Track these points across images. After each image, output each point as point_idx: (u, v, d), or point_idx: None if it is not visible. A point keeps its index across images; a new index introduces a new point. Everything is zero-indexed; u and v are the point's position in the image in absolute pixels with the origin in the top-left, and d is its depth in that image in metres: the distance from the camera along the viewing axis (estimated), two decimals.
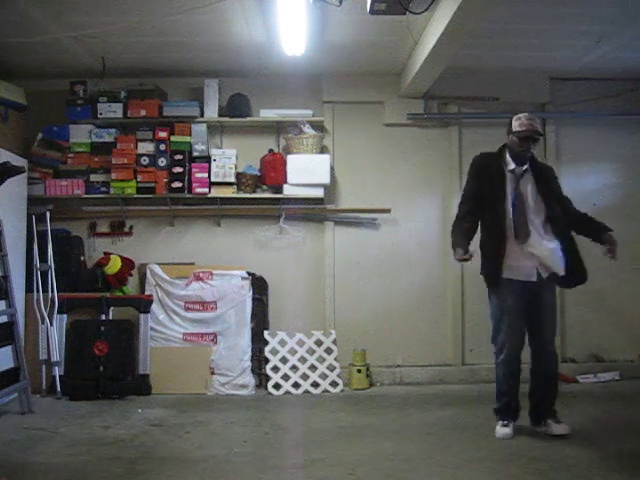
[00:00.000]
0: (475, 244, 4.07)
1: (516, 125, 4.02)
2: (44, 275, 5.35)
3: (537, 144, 4.08)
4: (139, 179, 5.69)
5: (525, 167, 4.06)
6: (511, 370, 4.04)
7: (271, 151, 5.88)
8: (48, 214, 5.46)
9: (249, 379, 5.48)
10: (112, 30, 4.60)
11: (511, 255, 3.98)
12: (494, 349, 4.11)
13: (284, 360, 5.60)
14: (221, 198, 5.81)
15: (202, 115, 5.80)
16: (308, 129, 5.76)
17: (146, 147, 5.72)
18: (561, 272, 3.98)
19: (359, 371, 5.63)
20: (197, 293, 5.58)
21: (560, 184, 4.21)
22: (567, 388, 5.42)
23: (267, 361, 5.60)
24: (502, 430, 4.01)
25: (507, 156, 4.09)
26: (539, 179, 4.06)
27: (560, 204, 4.09)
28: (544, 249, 3.96)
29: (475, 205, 4.09)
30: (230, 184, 5.74)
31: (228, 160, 5.73)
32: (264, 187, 5.88)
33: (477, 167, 4.19)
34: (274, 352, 5.61)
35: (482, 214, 4.08)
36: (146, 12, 4.46)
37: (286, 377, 5.54)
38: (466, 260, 3.95)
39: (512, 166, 4.05)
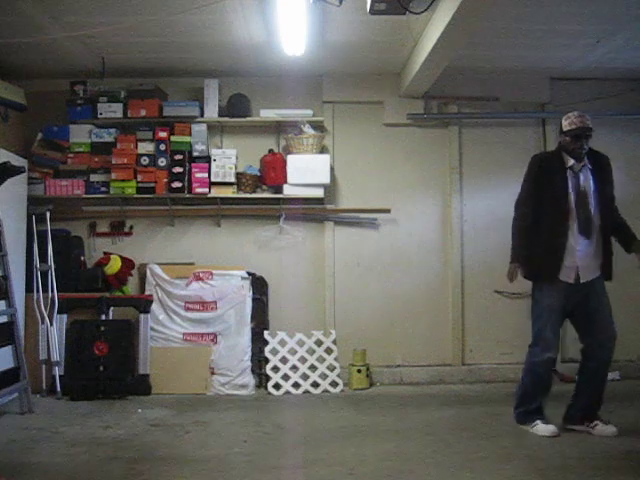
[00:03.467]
0: None
1: (566, 125, 4.06)
2: (44, 275, 5.35)
3: (589, 139, 4.05)
4: (139, 179, 5.69)
5: (583, 163, 4.08)
6: (550, 369, 4.11)
7: (271, 151, 5.88)
8: (48, 214, 5.46)
9: (249, 379, 5.48)
10: (112, 30, 4.60)
11: (565, 255, 4.04)
12: (533, 348, 4.13)
13: (284, 360, 5.60)
14: (221, 198, 5.81)
15: (202, 115, 5.80)
16: (308, 129, 5.76)
17: (146, 147, 5.72)
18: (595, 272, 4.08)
19: (359, 371, 5.63)
20: (197, 293, 5.58)
21: (612, 177, 4.22)
22: (567, 388, 5.41)
23: (267, 361, 5.60)
24: (549, 427, 4.00)
25: (564, 154, 4.11)
26: (597, 174, 4.09)
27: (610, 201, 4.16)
28: (581, 249, 4.05)
29: (531, 200, 4.12)
30: (230, 184, 5.74)
31: (228, 160, 5.73)
32: (264, 187, 5.89)
33: (535, 168, 4.18)
34: (274, 352, 5.61)
35: (541, 213, 4.10)
36: (146, 12, 4.46)
37: (286, 377, 5.54)
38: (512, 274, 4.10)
39: (571, 162, 4.08)
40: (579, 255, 4.03)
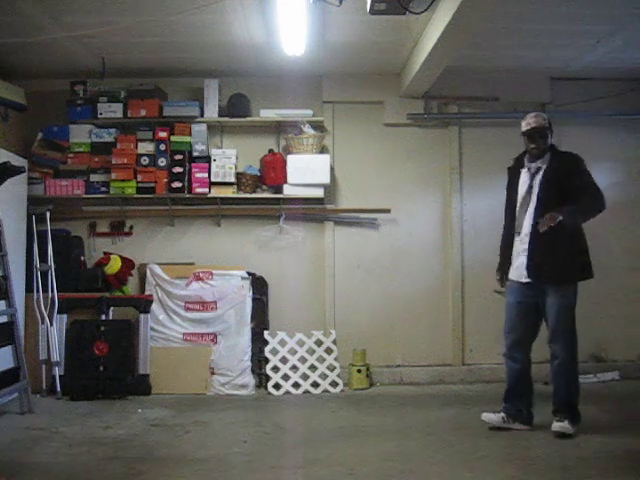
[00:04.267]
0: None
1: (522, 125, 4.17)
2: (44, 275, 5.35)
3: (547, 138, 4.10)
4: (139, 179, 5.69)
5: (539, 164, 4.11)
6: (508, 366, 4.24)
7: (271, 151, 5.88)
8: (48, 214, 5.45)
9: (249, 379, 5.48)
10: (112, 30, 4.59)
11: (514, 255, 4.17)
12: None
13: (284, 360, 5.60)
14: (221, 198, 5.81)
15: (202, 115, 5.80)
16: (308, 129, 5.76)
17: (146, 147, 5.72)
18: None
19: (359, 371, 5.63)
20: (197, 293, 5.58)
21: (584, 172, 4.10)
22: None
23: (267, 361, 5.60)
24: (484, 413, 4.17)
25: (525, 156, 4.22)
26: (550, 174, 4.08)
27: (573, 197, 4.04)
28: (527, 248, 4.09)
29: (507, 208, 4.32)
30: (230, 184, 5.74)
31: (228, 160, 5.73)
32: (264, 187, 5.88)
33: (508, 172, 4.38)
34: (274, 352, 5.61)
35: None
36: (146, 12, 4.46)
37: (286, 377, 5.54)
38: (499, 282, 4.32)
39: (526, 164, 4.17)
40: (515, 255, 4.16)
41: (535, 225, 4.00)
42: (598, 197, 4.05)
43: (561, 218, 3.84)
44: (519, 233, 4.13)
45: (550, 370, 4.17)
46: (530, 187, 4.11)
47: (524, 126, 4.14)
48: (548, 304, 4.06)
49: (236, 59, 5.56)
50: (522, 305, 4.14)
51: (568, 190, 4.02)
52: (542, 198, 4.04)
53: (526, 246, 4.07)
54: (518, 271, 4.14)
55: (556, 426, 3.98)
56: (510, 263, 4.21)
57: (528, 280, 4.08)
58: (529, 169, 4.15)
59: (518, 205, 4.15)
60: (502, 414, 4.14)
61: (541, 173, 4.10)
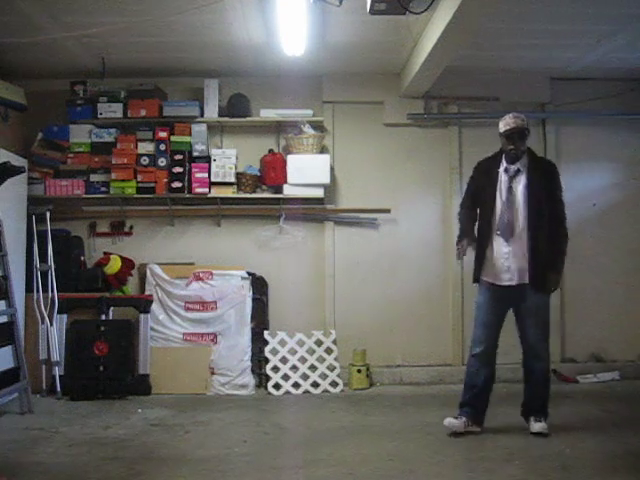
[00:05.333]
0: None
1: (501, 126, 4.11)
2: (44, 275, 5.35)
3: (525, 140, 4.08)
4: (139, 179, 5.69)
5: (518, 166, 4.08)
6: (476, 367, 4.14)
7: (271, 151, 5.89)
8: (48, 214, 5.46)
9: (249, 379, 5.48)
10: (112, 30, 4.60)
11: (493, 256, 4.11)
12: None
13: (284, 360, 5.60)
14: (221, 198, 5.81)
15: (202, 115, 5.80)
16: (308, 129, 5.76)
17: (146, 147, 5.72)
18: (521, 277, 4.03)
19: (359, 371, 5.63)
20: (197, 293, 5.58)
21: (558, 184, 4.13)
22: (567, 388, 5.43)
23: (267, 361, 5.60)
24: (452, 422, 4.05)
25: (502, 157, 4.16)
26: (532, 177, 4.05)
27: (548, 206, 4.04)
28: (510, 251, 4.04)
29: (470, 201, 4.29)
30: (230, 184, 5.74)
31: (228, 160, 5.73)
32: (264, 187, 5.89)
33: (477, 170, 4.33)
34: (274, 352, 5.61)
35: (476, 213, 4.24)
36: (146, 12, 4.46)
37: (286, 377, 5.54)
38: (460, 251, 4.20)
39: (504, 165, 4.12)
40: (495, 256, 4.09)
41: (532, 231, 3.97)
42: (564, 227, 4.07)
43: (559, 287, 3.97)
44: (501, 234, 4.05)
45: (528, 371, 4.13)
46: (510, 188, 4.05)
47: (502, 127, 4.07)
48: (524, 310, 4.03)
49: (236, 59, 5.56)
50: (497, 307, 4.10)
51: (547, 198, 4.03)
52: (532, 205, 3.99)
53: (508, 251, 4.03)
54: (500, 274, 4.07)
55: (540, 426, 3.97)
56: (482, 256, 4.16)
57: (508, 283, 4.04)
58: (507, 170, 4.10)
59: (500, 205, 4.06)
60: (463, 418, 4.06)
61: (523, 177, 4.05)
